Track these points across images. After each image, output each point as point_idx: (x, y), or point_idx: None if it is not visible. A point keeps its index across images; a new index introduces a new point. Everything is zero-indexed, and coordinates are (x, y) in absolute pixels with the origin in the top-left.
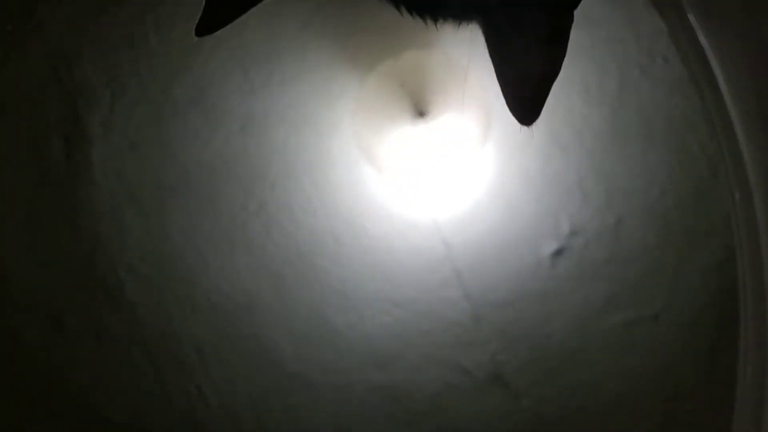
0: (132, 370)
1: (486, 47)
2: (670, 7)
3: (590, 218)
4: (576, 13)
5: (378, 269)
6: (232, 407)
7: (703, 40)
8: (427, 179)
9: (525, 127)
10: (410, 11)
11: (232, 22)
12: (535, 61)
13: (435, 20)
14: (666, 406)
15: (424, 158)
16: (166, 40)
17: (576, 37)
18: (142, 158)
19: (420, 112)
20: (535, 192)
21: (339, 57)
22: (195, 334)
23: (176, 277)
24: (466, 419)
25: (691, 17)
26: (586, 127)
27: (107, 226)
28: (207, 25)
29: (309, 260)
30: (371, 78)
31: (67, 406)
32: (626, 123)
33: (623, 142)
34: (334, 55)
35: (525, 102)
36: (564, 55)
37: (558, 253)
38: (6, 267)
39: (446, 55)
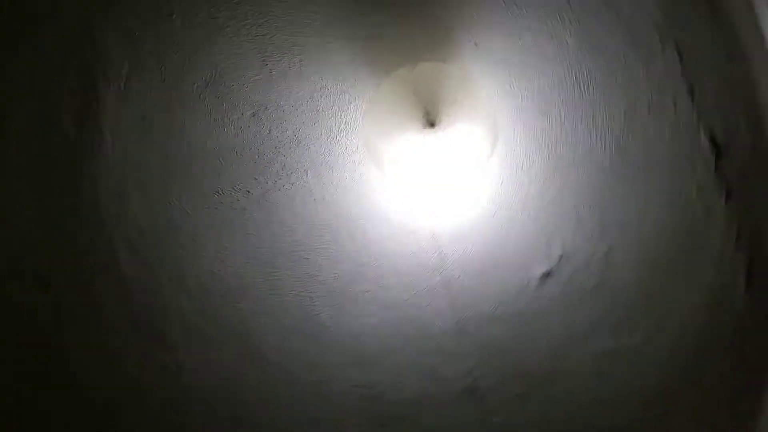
0: (118, 340)
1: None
2: None
3: (582, 245)
4: (593, 42)
5: (370, 270)
6: (209, 389)
7: None
8: (430, 188)
9: (529, 148)
10: None
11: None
12: None
13: None
14: None
15: (430, 167)
16: (189, 22)
17: (590, 66)
18: (151, 135)
19: (430, 121)
20: (531, 213)
21: (358, 59)
22: (182, 313)
23: (171, 256)
24: (437, 428)
25: None
26: (589, 157)
27: (110, 198)
28: None
29: (303, 253)
30: (387, 83)
31: (48, 368)
32: (629, 157)
33: (623, 175)
34: (353, 56)
35: None
36: None
37: (547, 275)
38: (6, 227)
39: (462, 70)
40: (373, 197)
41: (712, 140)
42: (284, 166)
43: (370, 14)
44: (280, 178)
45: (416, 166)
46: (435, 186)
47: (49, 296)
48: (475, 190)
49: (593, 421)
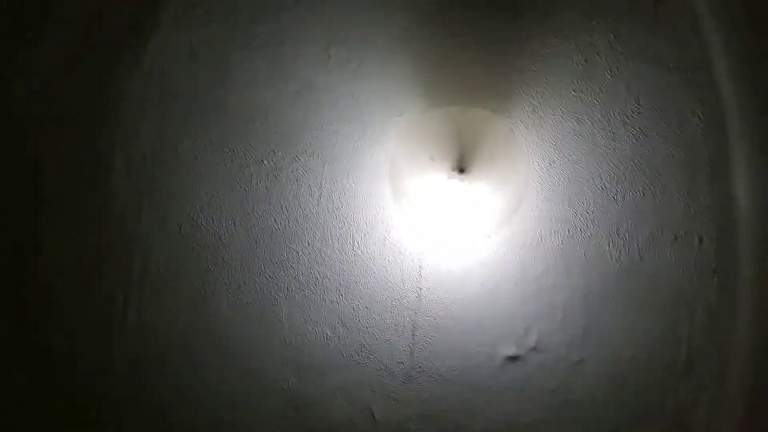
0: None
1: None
2: None
3: (557, 346)
4: (646, 156)
5: (345, 283)
6: (152, 325)
7: None
8: (434, 228)
9: (543, 230)
10: None
11: None
12: None
13: None
14: None
15: (443, 209)
16: None
17: (633, 176)
18: (196, 67)
19: (461, 167)
20: (521, 292)
21: (414, 81)
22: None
23: (162, 189)
24: None
25: None
26: (598, 262)
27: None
28: None
29: (289, 242)
30: (430, 117)
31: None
32: (635, 278)
33: (623, 295)
34: (410, 78)
35: None
36: None
37: (513, 359)
38: None
39: (508, 128)
40: (377, 215)
41: None
42: (304, 156)
43: (432, 50)
44: (296, 161)
45: (431, 205)
46: (442, 230)
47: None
48: (478, 248)
49: None
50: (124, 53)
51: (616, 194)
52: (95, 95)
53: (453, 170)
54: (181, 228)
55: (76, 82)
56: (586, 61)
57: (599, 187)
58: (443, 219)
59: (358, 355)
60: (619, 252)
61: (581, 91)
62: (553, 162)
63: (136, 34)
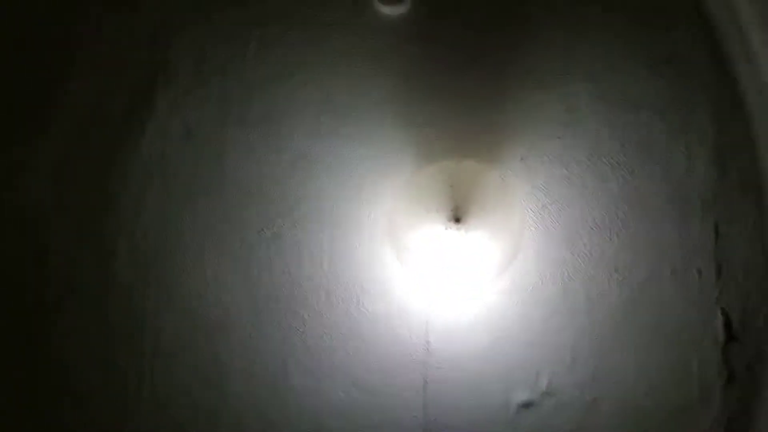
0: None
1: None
2: None
3: (570, 387)
4: (636, 193)
5: (355, 343)
6: (165, 401)
7: None
8: (438, 281)
9: (544, 273)
10: None
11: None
12: None
13: None
14: None
15: (444, 262)
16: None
17: (626, 213)
18: (193, 147)
19: (457, 217)
20: (530, 338)
21: (404, 141)
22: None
23: (167, 267)
24: None
25: None
26: (601, 300)
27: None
28: None
29: (295, 306)
30: (427, 170)
31: None
32: (639, 313)
33: (629, 331)
34: (400, 138)
35: None
36: None
37: (527, 405)
38: None
39: (501, 179)
40: (380, 274)
41: (727, 323)
42: (304, 212)
43: (426, 103)
44: (296, 223)
45: (431, 257)
46: (444, 281)
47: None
48: (484, 296)
49: None
50: (123, 139)
51: (610, 233)
52: (97, 182)
53: (449, 221)
54: (188, 302)
55: (77, 171)
56: (567, 110)
57: (593, 227)
58: (444, 270)
59: (375, 416)
60: (621, 289)
61: (567, 138)
62: (546, 206)
63: (133, 121)
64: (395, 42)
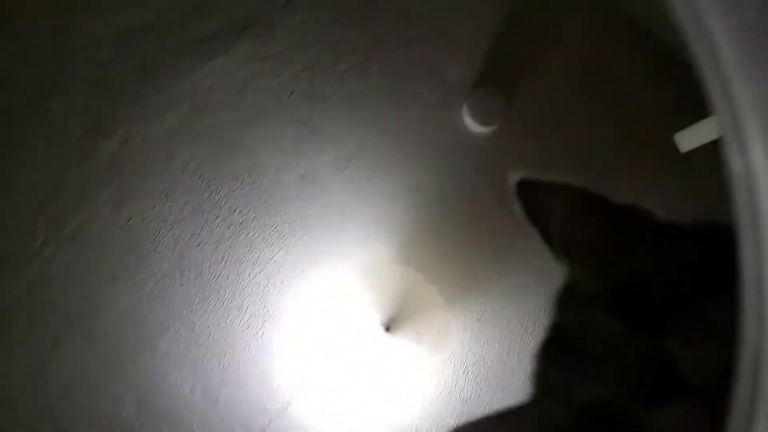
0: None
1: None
2: None
3: None
4: None
5: None
6: None
7: None
8: (365, 387)
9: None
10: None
11: None
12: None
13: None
14: None
15: (372, 368)
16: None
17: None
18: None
19: (387, 326)
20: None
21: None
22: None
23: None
24: None
25: None
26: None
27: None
28: None
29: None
30: (362, 275)
31: None
32: None
33: None
34: (348, 243)
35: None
36: None
37: None
38: None
39: (432, 288)
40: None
41: None
42: (243, 307)
43: (371, 208)
44: (227, 317)
45: (361, 362)
46: (372, 386)
47: None
48: (413, 404)
49: None
50: None
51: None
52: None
53: (379, 329)
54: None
55: None
56: None
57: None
58: (370, 376)
59: None
60: None
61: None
62: (480, 323)
63: None
64: None
